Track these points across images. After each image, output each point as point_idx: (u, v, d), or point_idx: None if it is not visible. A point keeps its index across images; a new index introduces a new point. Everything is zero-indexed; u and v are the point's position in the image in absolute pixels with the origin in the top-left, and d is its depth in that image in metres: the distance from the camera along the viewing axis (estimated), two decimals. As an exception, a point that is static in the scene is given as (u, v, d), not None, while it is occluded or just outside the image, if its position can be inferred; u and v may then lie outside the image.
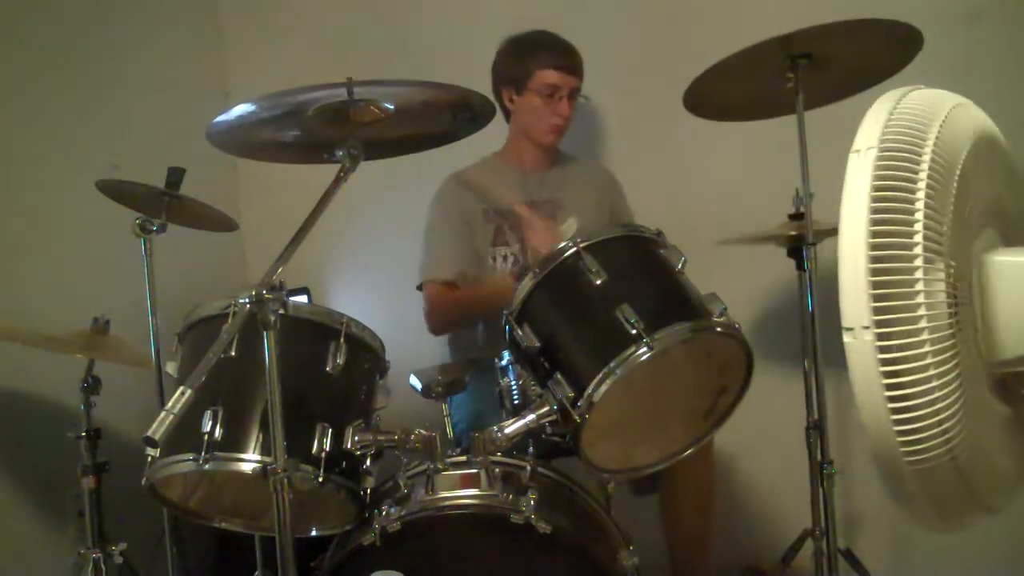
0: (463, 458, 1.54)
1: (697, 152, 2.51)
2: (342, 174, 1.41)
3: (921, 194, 0.99)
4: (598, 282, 1.48)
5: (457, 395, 1.80)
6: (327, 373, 1.50)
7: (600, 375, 1.41)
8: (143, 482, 1.46)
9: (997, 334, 1.08)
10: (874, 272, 0.98)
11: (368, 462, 1.52)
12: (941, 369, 0.99)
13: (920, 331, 0.98)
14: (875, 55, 1.71)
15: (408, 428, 1.52)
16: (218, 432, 1.40)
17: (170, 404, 1.15)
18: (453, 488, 1.51)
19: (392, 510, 1.47)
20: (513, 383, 1.59)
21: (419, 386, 1.65)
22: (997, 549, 2.10)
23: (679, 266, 1.55)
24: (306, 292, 2.64)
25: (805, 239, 1.80)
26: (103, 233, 2.10)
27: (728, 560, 2.37)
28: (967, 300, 1.05)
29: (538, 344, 1.50)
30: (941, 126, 1.05)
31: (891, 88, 1.13)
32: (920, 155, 1.02)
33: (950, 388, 0.99)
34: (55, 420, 2.02)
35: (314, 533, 1.56)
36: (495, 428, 1.48)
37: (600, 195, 2.36)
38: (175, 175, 1.88)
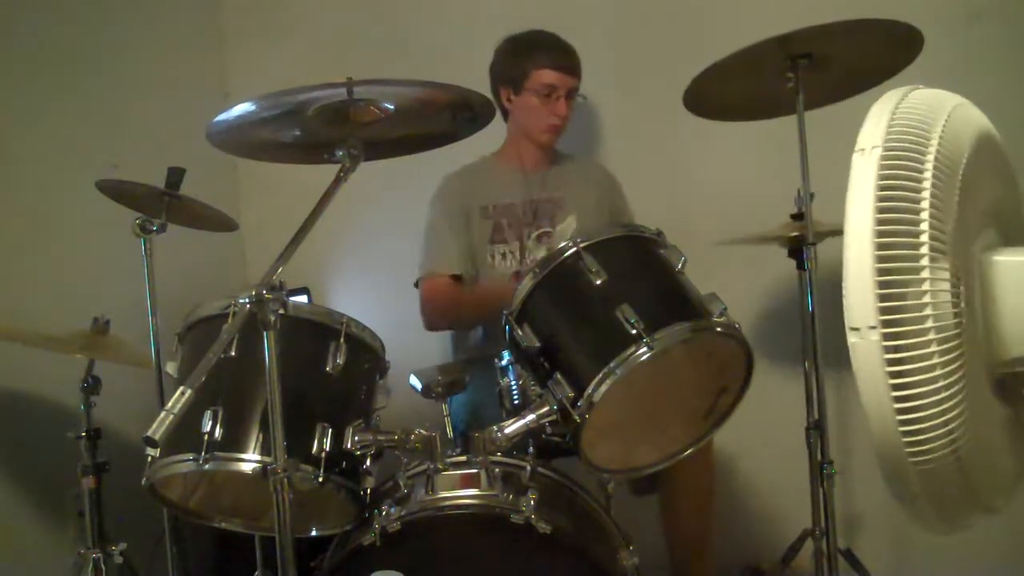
0: (463, 458, 1.54)
1: (697, 152, 2.51)
2: (342, 174, 1.41)
3: (927, 193, 0.99)
4: (598, 282, 1.48)
5: (457, 395, 1.80)
6: (327, 373, 1.50)
7: (600, 375, 1.41)
8: (143, 482, 1.46)
9: (1000, 334, 1.08)
10: (880, 272, 0.98)
11: (368, 462, 1.52)
12: (947, 369, 0.98)
13: (927, 331, 0.98)
14: (875, 55, 1.71)
15: (408, 428, 1.52)
16: (218, 432, 1.40)
17: (170, 404, 1.15)
18: (453, 488, 1.51)
19: (392, 510, 1.47)
20: (513, 383, 1.59)
21: (419, 386, 1.65)
22: (997, 549, 2.10)
23: (679, 266, 1.55)
24: (306, 292, 2.64)
25: (805, 239, 1.80)
26: (103, 233, 2.10)
27: (728, 560, 2.37)
28: (970, 300, 1.05)
29: (538, 344, 1.50)
30: (944, 126, 1.04)
31: (891, 88, 1.13)
32: (924, 154, 1.01)
33: (956, 388, 0.99)
34: (55, 420, 2.02)
35: (314, 533, 1.56)
36: (495, 428, 1.48)
37: (599, 194, 2.36)
38: (175, 175, 1.88)
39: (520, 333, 1.52)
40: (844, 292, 1.01)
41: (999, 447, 1.15)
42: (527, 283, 1.54)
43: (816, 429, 1.94)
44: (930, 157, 1.01)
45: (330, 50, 2.73)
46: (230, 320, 1.45)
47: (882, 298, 0.98)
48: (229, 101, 1.43)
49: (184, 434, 1.35)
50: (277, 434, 1.28)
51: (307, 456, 1.42)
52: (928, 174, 1.00)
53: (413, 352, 2.00)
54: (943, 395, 0.98)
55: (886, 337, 0.98)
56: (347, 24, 2.80)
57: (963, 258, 1.04)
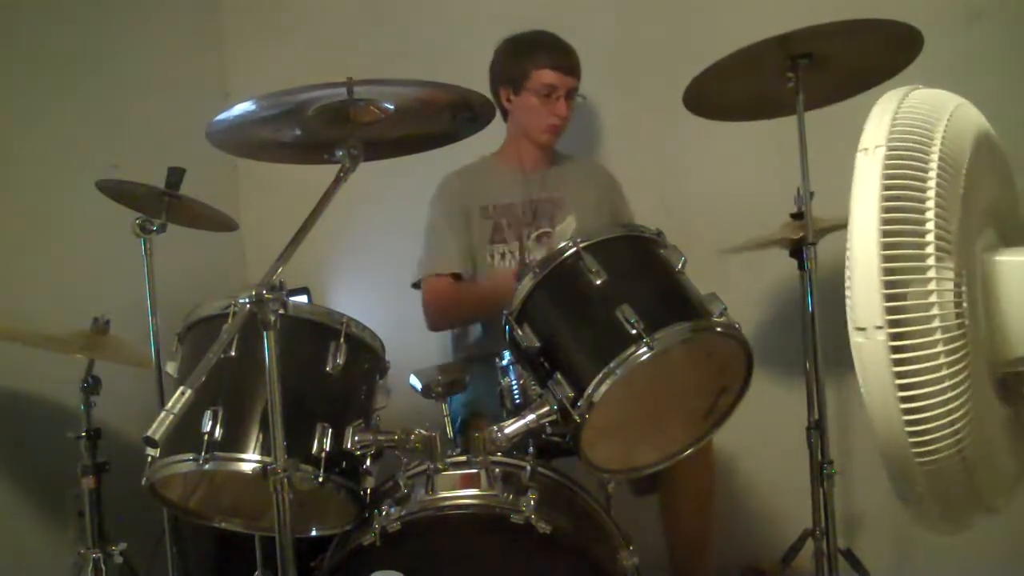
0: (463, 458, 1.54)
1: (697, 152, 2.51)
2: (342, 174, 1.41)
3: (932, 192, 0.99)
4: (598, 282, 1.48)
5: (457, 395, 1.80)
6: (327, 373, 1.50)
7: (600, 375, 1.41)
8: (143, 482, 1.46)
9: (1005, 333, 1.08)
10: (886, 272, 0.98)
11: (368, 462, 1.52)
12: (953, 369, 0.98)
13: (933, 331, 0.98)
14: (875, 55, 1.71)
15: (408, 428, 1.52)
16: (218, 432, 1.40)
17: (170, 404, 1.15)
18: (453, 488, 1.51)
19: (392, 510, 1.47)
20: (514, 383, 1.59)
21: (419, 386, 1.65)
22: (997, 549, 2.10)
23: (679, 266, 1.55)
24: (306, 292, 2.64)
25: (805, 239, 1.80)
26: (103, 233, 2.10)
27: (728, 560, 2.37)
28: (973, 299, 1.05)
29: (538, 344, 1.50)
30: (946, 125, 1.04)
31: (891, 88, 1.13)
32: (929, 153, 1.01)
33: (961, 388, 0.99)
34: (55, 420, 2.02)
35: (314, 533, 1.56)
36: (495, 428, 1.48)
37: (599, 194, 2.36)
38: (175, 175, 1.88)
39: (520, 333, 1.52)
40: (848, 292, 1.01)
41: (999, 447, 1.15)
42: (527, 283, 1.54)
43: (816, 429, 1.94)
44: (934, 156, 1.01)
45: (330, 50, 2.73)
46: (230, 320, 1.45)
47: (888, 298, 0.97)
48: (229, 101, 1.43)
49: (184, 434, 1.35)
50: (277, 434, 1.28)
51: (307, 456, 1.42)
52: (933, 173, 1.00)
53: (413, 352, 2.00)
54: (949, 395, 0.98)
55: (892, 337, 0.97)
56: (347, 24, 2.80)
57: (966, 258, 1.04)
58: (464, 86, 1.47)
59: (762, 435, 2.22)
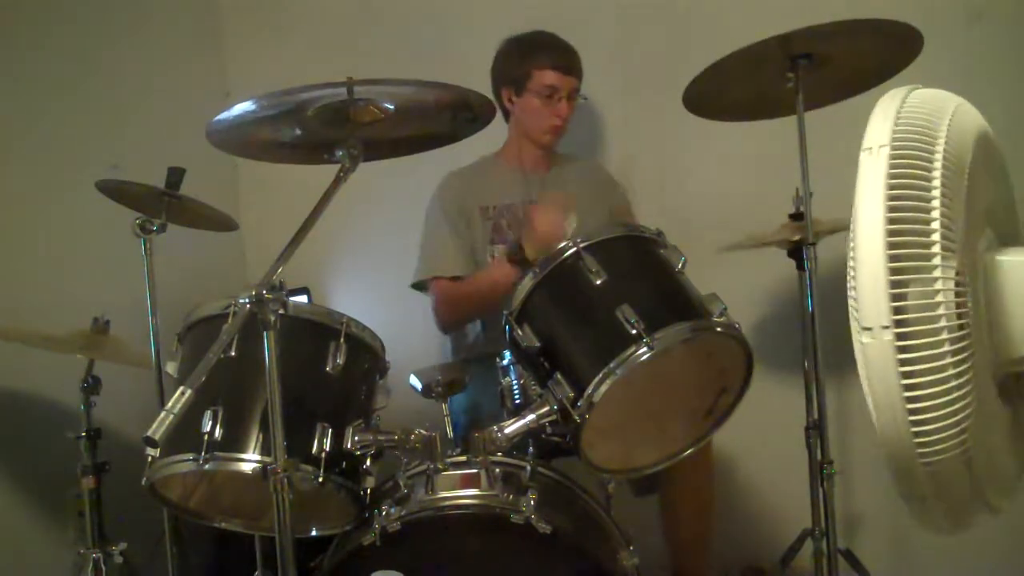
0: (463, 458, 1.54)
1: (697, 152, 2.51)
2: (342, 174, 1.41)
3: (937, 192, 0.99)
4: (598, 282, 1.48)
5: (457, 395, 1.80)
6: (327, 373, 1.50)
7: (600, 375, 1.41)
8: (143, 482, 1.46)
9: (1008, 333, 1.07)
10: (893, 271, 0.98)
11: (368, 462, 1.51)
12: (959, 369, 0.98)
13: (940, 331, 0.98)
14: (875, 55, 1.71)
15: (408, 428, 1.52)
16: (218, 432, 1.39)
17: (170, 404, 1.15)
18: (453, 488, 1.51)
19: (392, 510, 1.47)
20: (514, 383, 1.59)
21: (419, 386, 1.66)
22: (997, 549, 2.10)
23: (679, 266, 1.55)
24: (306, 292, 2.64)
25: (805, 239, 1.80)
26: (103, 233, 2.10)
27: (728, 560, 2.37)
28: (976, 299, 1.05)
29: (538, 344, 1.50)
30: (949, 125, 1.04)
31: (891, 88, 1.12)
32: (933, 153, 1.01)
33: (966, 389, 0.99)
34: (55, 420, 2.02)
35: (314, 533, 1.55)
36: (495, 428, 1.48)
37: (600, 195, 2.36)
38: (175, 175, 1.88)
39: (520, 333, 1.52)
40: (852, 291, 1.01)
41: (1000, 447, 1.15)
42: (527, 283, 1.54)
43: (816, 429, 1.94)
44: (938, 156, 1.01)
45: (330, 50, 2.73)
46: (230, 320, 1.45)
47: (895, 297, 0.97)
48: (229, 101, 1.43)
49: (184, 434, 1.35)
50: (277, 434, 1.28)
51: (307, 456, 1.42)
52: (937, 172, 1.00)
53: (413, 352, 2.00)
54: (954, 395, 0.98)
55: (899, 337, 0.97)
56: (347, 24, 2.80)
57: (969, 257, 1.03)
58: (464, 86, 1.47)
59: (762, 435, 2.23)
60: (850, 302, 1.02)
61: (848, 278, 1.02)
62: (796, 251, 1.98)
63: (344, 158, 1.41)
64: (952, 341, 0.98)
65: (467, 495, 1.50)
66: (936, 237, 0.98)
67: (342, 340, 1.52)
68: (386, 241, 2.70)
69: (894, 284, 0.97)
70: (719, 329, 1.48)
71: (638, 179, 2.47)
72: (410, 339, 2.12)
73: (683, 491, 2.00)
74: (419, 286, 2.27)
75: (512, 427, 1.48)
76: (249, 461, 1.41)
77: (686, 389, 1.58)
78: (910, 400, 0.98)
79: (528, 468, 1.58)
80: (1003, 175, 1.21)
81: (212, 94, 2.79)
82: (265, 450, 1.39)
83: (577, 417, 1.42)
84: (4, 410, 2.06)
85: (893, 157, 1.00)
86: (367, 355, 1.59)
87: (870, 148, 1.01)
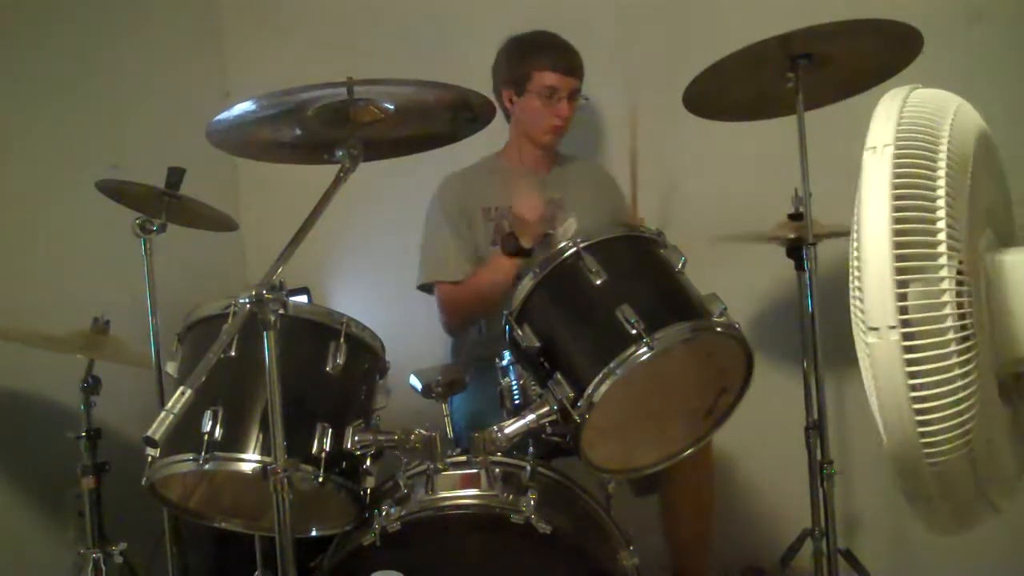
0: (463, 458, 1.54)
1: (697, 152, 2.51)
2: (342, 174, 1.41)
3: (942, 191, 0.98)
4: (598, 282, 1.48)
5: (457, 395, 1.80)
6: (327, 373, 1.51)
7: (600, 375, 1.41)
8: (143, 482, 1.46)
9: (1012, 332, 1.07)
10: (899, 271, 0.97)
11: (368, 462, 1.52)
12: (965, 369, 0.98)
13: (946, 330, 0.97)
14: (875, 55, 1.71)
15: (408, 428, 1.52)
16: (218, 432, 1.40)
17: (170, 404, 1.15)
18: (453, 488, 1.51)
19: (392, 510, 1.47)
20: (514, 383, 1.59)
21: (419, 386, 1.65)
22: (997, 549, 2.10)
23: (679, 266, 1.55)
24: (306, 292, 2.64)
25: (805, 239, 1.80)
26: (103, 233, 2.10)
27: (728, 560, 2.37)
28: (979, 299, 1.05)
29: (538, 344, 1.51)
30: (952, 124, 1.04)
31: (891, 88, 1.12)
32: (937, 152, 1.01)
33: (972, 389, 0.99)
34: (55, 420, 2.02)
35: (314, 533, 1.56)
36: (495, 428, 1.48)
37: (600, 196, 2.36)
38: (175, 175, 1.88)
39: (520, 333, 1.52)
40: (857, 292, 1.01)
41: (1002, 447, 1.15)
42: (527, 283, 1.54)
43: (815, 429, 1.94)
44: (942, 155, 1.01)
45: (330, 50, 2.73)
46: (230, 320, 1.45)
47: (901, 297, 0.97)
48: (229, 101, 1.43)
49: (184, 434, 1.35)
50: (277, 434, 1.28)
51: (307, 456, 1.42)
52: (942, 172, 1.00)
53: (413, 352, 2.00)
54: (960, 395, 0.98)
55: (905, 337, 0.97)
56: (347, 24, 2.80)
57: (972, 257, 1.03)
58: (464, 86, 1.47)
59: (762, 435, 2.22)
60: (854, 302, 1.02)
61: (851, 278, 1.02)
62: (796, 251, 1.98)
63: (344, 158, 1.41)
64: (958, 341, 0.97)
65: (467, 495, 1.50)
66: (942, 237, 0.98)
67: (342, 340, 1.52)
68: (386, 241, 2.70)
69: (900, 284, 0.97)
70: (719, 329, 1.48)
71: (638, 179, 2.46)
72: (410, 339, 2.12)
73: (683, 491, 2.00)
74: (425, 287, 2.27)
75: (512, 427, 1.48)
76: (249, 461, 1.41)
77: (686, 389, 1.58)
78: (916, 400, 0.98)
79: (528, 468, 1.58)
80: (1001, 175, 1.21)
81: (212, 94, 2.79)
82: (265, 450, 1.39)
83: (577, 417, 1.42)
84: (4, 410, 2.06)
85: (897, 156, 1.00)
86: (367, 355, 1.59)
87: (874, 147, 1.01)
